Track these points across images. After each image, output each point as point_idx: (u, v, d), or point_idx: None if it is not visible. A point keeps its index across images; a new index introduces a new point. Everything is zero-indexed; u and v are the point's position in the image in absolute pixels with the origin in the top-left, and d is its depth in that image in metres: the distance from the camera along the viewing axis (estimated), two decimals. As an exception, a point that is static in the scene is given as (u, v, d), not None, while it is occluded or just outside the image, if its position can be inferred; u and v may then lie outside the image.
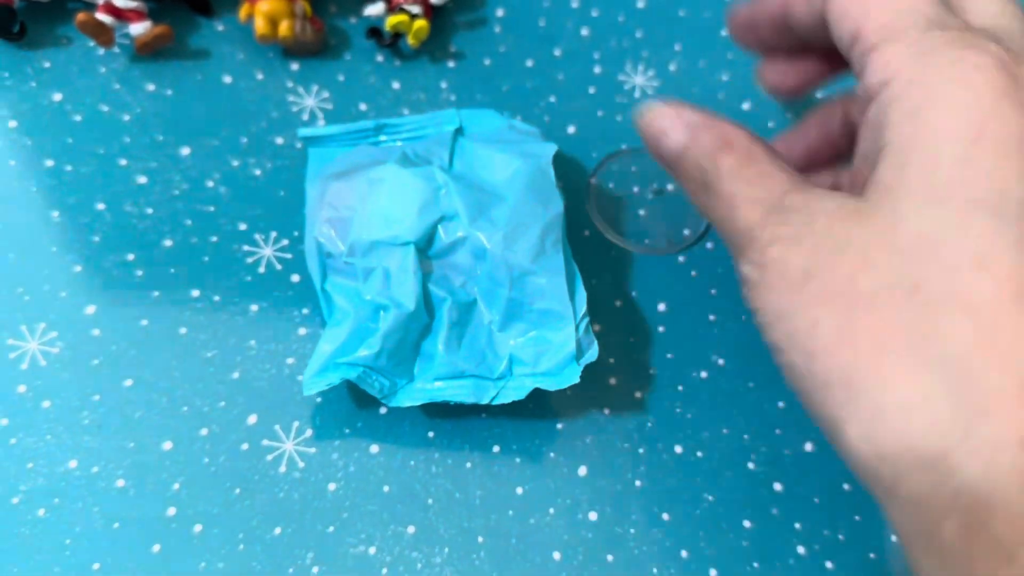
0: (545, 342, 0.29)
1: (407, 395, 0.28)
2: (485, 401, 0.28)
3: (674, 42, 0.39)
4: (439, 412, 0.30)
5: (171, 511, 0.27)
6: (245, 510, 0.28)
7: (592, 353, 0.28)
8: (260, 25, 0.34)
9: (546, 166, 0.30)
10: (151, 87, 0.35)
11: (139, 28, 0.34)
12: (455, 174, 0.30)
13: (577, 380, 0.28)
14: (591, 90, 0.37)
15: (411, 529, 0.28)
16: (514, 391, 0.28)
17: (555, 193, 0.30)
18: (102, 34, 0.34)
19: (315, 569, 0.27)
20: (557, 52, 0.38)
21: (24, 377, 0.29)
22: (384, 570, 0.27)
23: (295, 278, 0.32)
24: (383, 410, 0.30)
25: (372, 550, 0.28)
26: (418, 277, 0.28)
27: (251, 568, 0.27)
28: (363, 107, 0.35)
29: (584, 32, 0.39)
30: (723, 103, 0.37)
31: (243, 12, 0.35)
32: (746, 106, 0.37)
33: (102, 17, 0.33)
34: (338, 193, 0.29)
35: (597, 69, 0.38)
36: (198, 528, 0.27)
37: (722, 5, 0.40)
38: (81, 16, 0.33)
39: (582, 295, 0.29)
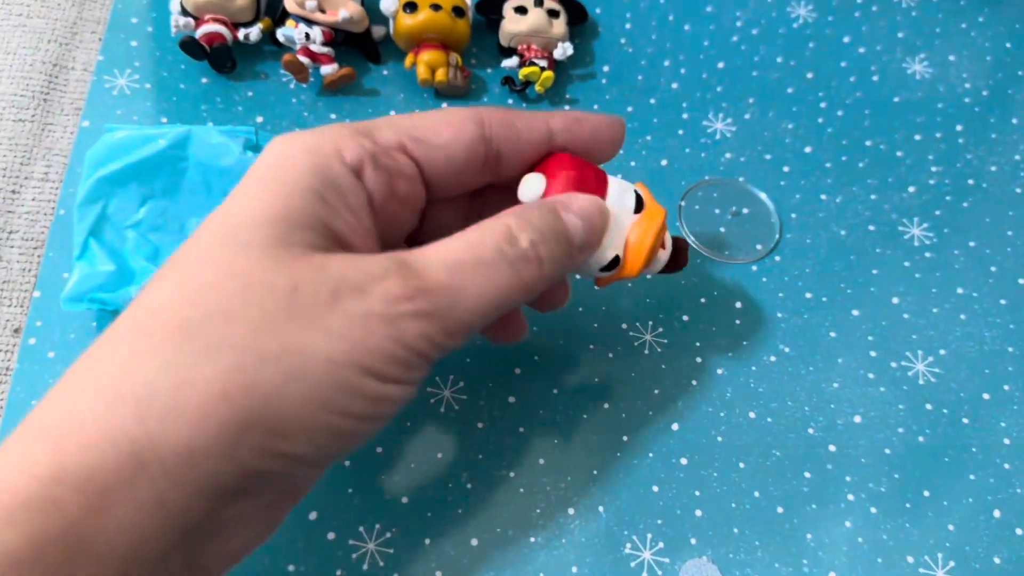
0: None
1: None
2: None
3: (748, 96, 0.47)
4: (561, 376, 0.38)
5: (358, 436, 0.35)
6: (415, 439, 0.35)
7: None
8: (422, 71, 0.43)
9: None
10: (333, 116, 0.44)
11: (328, 69, 0.43)
12: None
13: None
14: (680, 132, 0.46)
15: (541, 461, 0.36)
16: None
17: None
18: (300, 72, 0.43)
19: (469, 486, 0.35)
20: (652, 101, 0.46)
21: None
22: (521, 490, 0.35)
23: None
24: (518, 370, 0.38)
25: (512, 475, 0.35)
26: None
27: (421, 482, 0.35)
28: (497, 138, 0.44)
29: (674, 86, 0.47)
30: (788, 146, 0.46)
31: (408, 61, 0.44)
32: (808, 150, 0.46)
33: (302, 58, 0.42)
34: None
35: (685, 115, 0.46)
36: (379, 450, 0.35)
37: (787, 68, 0.48)
38: (287, 57, 0.42)
39: None
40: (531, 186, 0.29)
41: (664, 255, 0.32)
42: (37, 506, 0.20)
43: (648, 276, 0.31)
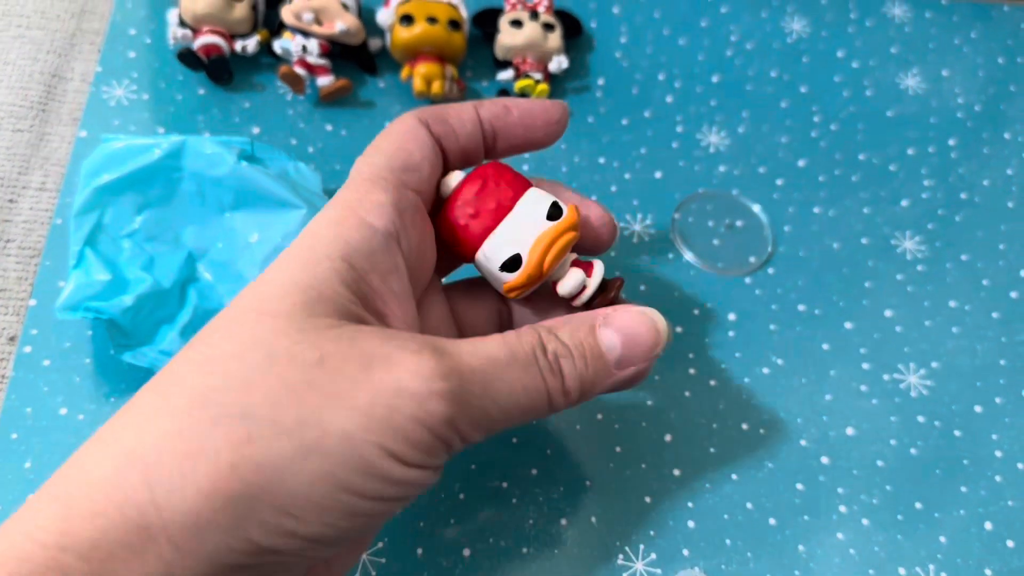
0: None
1: (135, 356, 0.34)
2: None
3: (742, 109, 0.47)
4: (555, 386, 0.38)
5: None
6: (408, 448, 0.36)
7: None
8: (418, 83, 0.43)
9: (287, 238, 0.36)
10: (329, 127, 0.44)
11: (325, 80, 0.43)
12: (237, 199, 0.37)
13: None
14: (674, 145, 0.46)
15: (534, 471, 0.36)
16: None
17: None
18: (297, 83, 0.43)
19: (461, 496, 0.35)
20: (647, 114, 0.47)
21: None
22: (514, 500, 0.35)
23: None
24: (512, 381, 0.38)
25: (504, 485, 0.35)
26: (179, 271, 0.36)
27: (412, 492, 0.35)
28: (493, 150, 0.44)
29: (669, 99, 0.48)
30: (782, 159, 0.46)
31: (404, 72, 0.44)
32: (801, 163, 0.46)
33: (299, 70, 0.43)
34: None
35: (679, 128, 0.46)
36: (372, 459, 0.35)
37: (780, 82, 0.49)
38: (284, 68, 0.42)
39: None
40: (448, 184, 0.30)
41: (577, 274, 0.30)
42: (41, 574, 0.20)
43: (576, 304, 0.30)
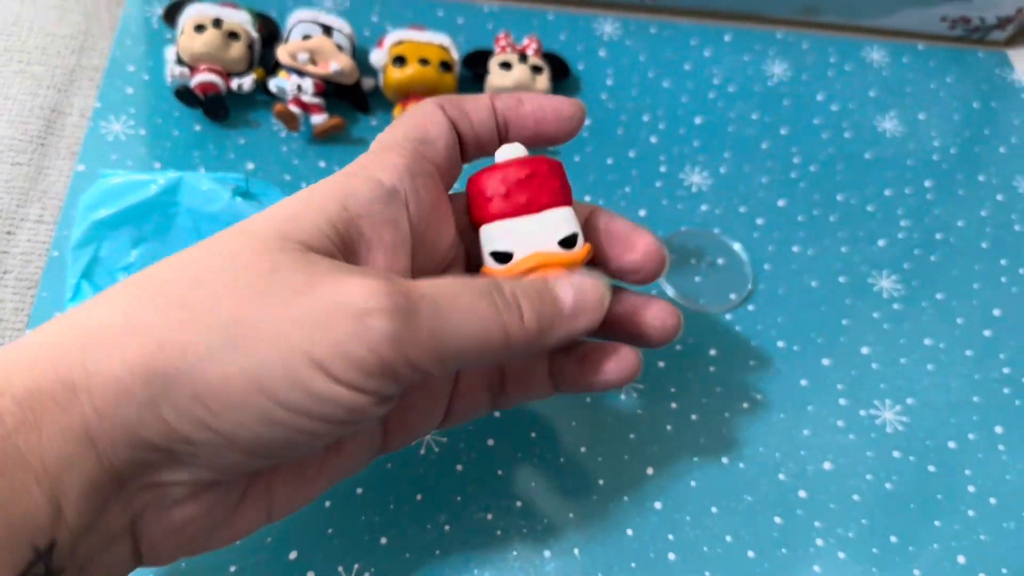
0: None
1: None
2: None
3: (724, 150, 0.49)
4: (540, 420, 0.39)
5: (339, 477, 0.36)
6: (395, 479, 0.36)
7: None
8: (409, 121, 0.45)
9: None
10: (322, 163, 0.45)
11: (319, 119, 0.44)
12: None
13: None
14: (658, 184, 0.47)
15: (518, 503, 0.36)
16: None
17: None
18: (292, 121, 0.44)
19: (447, 528, 0.35)
20: (631, 154, 0.48)
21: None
22: (498, 532, 0.36)
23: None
24: (497, 414, 0.39)
25: (489, 516, 0.36)
26: None
27: (399, 523, 0.35)
28: (482, 187, 0.45)
29: (653, 140, 0.49)
30: (762, 199, 0.47)
31: (397, 111, 0.46)
32: (781, 203, 0.47)
33: (293, 108, 0.44)
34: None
35: (663, 168, 0.48)
36: (359, 490, 0.36)
37: (762, 124, 0.50)
38: (279, 106, 0.44)
39: None
40: (504, 152, 0.30)
41: None
42: None
43: None
